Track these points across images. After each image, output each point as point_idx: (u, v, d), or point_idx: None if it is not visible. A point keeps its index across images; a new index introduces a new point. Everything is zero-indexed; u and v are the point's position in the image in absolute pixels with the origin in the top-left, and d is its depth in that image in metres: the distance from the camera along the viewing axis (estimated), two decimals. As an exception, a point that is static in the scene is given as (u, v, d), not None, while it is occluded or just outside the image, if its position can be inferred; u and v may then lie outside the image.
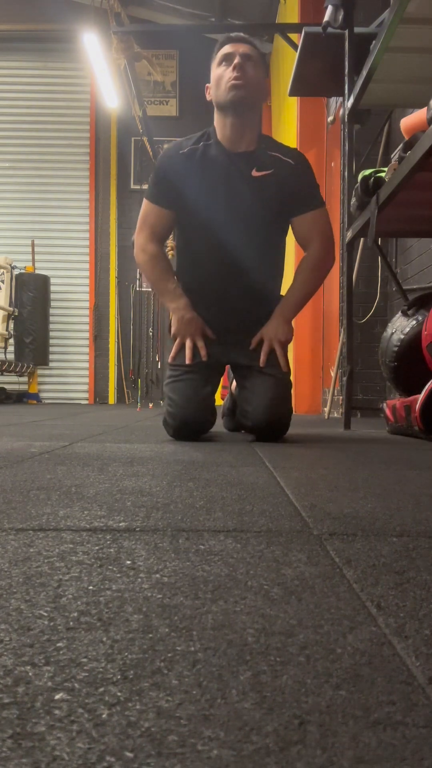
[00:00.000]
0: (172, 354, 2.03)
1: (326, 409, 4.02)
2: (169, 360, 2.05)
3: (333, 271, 4.46)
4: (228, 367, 2.24)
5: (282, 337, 1.98)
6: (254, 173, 1.93)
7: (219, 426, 2.60)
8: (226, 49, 1.89)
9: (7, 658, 0.39)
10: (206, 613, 0.47)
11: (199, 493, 0.97)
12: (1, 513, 0.81)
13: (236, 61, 1.84)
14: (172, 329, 2.02)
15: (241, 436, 2.22)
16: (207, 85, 1.97)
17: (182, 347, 2.01)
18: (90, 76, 7.19)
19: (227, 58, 1.87)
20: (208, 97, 1.96)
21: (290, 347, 4.94)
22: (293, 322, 2.09)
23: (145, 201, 2.04)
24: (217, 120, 1.95)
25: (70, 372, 7.71)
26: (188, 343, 1.97)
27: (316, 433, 2.54)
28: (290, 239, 2.14)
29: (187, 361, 1.95)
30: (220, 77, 1.88)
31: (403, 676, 0.37)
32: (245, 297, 2.04)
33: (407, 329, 2.45)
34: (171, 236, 2.24)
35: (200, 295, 2.04)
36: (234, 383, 2.35)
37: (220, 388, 2.24)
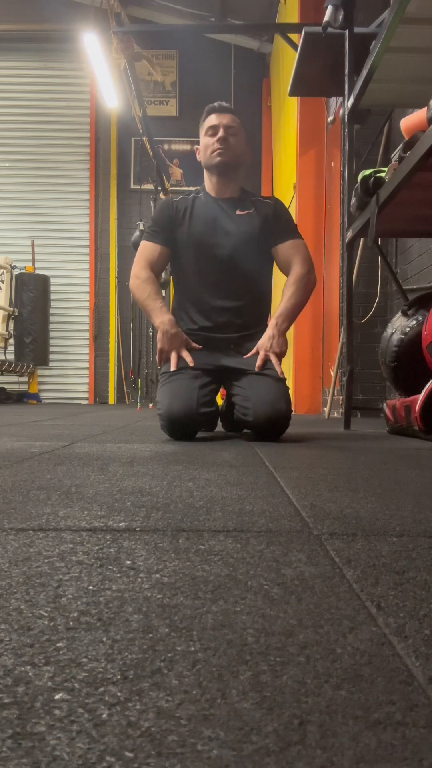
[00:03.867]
0: (159, 364, 2.17)
1: (326, 409, 4.02)
2: (159, 367, 2.20)
3: (333, 271, 4.47)
4: None
5: (277, 348, 2.09)
6: (238, 212, 2.22)
7: (218, 426, 2.60)
8: (212, 119, 2.19)
9: (7, 658, 0.39)
10: (206, 613, 0.47)
11: (199, 493, 0.97)
12: (1, 513, 0.81)
13: (220, 134, 2.17)
14: (158, 344, 2.12)
15: (241, 436, 2.22)
16: (197, 147, 2.31)
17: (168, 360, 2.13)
18: (90, 76, 7.19)
19: (212, 130, 2.19)
20: (198, 158, 2.28)
21: (290, 347, 4.95)
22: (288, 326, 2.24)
23: (142, 242, 2.26)
24: (206, 178, 2.29)
25: (70, 372, 7.72)
26: (173, 355, 2.09)
27: (316, 433, 2.54)
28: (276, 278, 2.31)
29: (173, 368, 2.06)
30: (207, 146, 2.20)
31: (403, 676, 0.37)
32: (235, 313, 2.22)
33: (407, 329, 2.45)
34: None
35: (194, 311, 2.23)
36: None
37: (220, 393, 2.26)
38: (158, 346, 2.12)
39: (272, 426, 1.99)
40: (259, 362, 2.04)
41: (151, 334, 7.67)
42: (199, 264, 2.23)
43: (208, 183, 2.27)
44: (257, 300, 2.28)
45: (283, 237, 2.21)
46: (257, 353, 2.09)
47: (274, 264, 2.29)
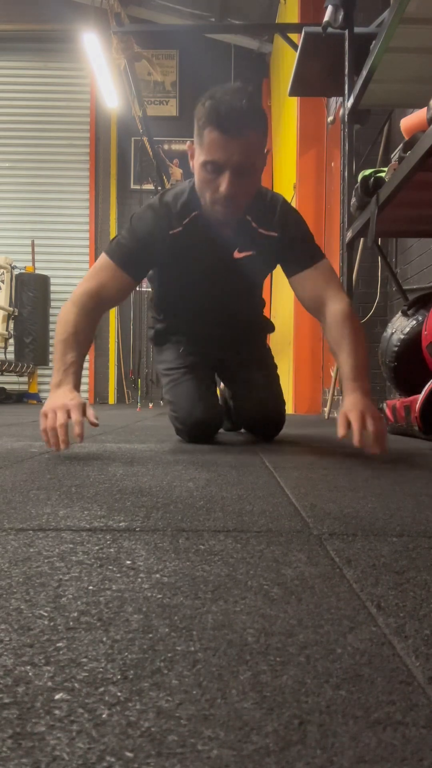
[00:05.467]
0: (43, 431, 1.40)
1: (326, 409, 4.02)
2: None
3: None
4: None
5: (373, 426, 1.42)
6: (236, 255, 1.78)
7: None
8: (215, 147, 1.50)
9: (7, 658, 0.39)
10: (206, 613, 0.47)
11: (199, 493, 0.97)
12: (1, 513, 0.81)
13: (225, 187, 1.54)
14: (44, 406, 1.42)
15: (241, 436, 2.22)
16: (189, 144, 1.64)
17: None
18: (90, 76, 7.19)
19: (213, 167, 1.53)
20: (190, 162, 1.65)
21: (290, 347, 4.96)
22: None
23: (105, 257, 1.67)
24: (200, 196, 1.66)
25: (70, 372, 7.70)
26: (60, 419, 1.35)
27: (316, 433, 2.54)
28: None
29: (54, 447, 1.37)
30: (206, 182, 1.58)
31: (403, 676, 0.37)
32: (226, 337, 2.02)
33: (407, 329, 2.45)
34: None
35: (180, 333, 2.00)
36: (222, 384, 2.34)
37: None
38: (43, 407, 1.41)
39: (270, 424, 1.98)
40: (356, 436, 1.39)
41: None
42: (185, 303, 1.92)
43: (205, 205, 1.66)
44: (252, 320, 2.07)
45: (302, 265, 1.73)
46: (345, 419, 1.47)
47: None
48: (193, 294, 1.88)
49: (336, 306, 1.64)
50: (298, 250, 1.74)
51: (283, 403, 2.04)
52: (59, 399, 1.40)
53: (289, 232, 1.75)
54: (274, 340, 2.09)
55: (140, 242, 1.68)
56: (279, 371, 2.16)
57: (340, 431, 1.42)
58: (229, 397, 2.23)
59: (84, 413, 1.38)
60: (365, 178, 2.41)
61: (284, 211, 1.76)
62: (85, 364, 7.56)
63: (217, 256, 1.78)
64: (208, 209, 1.64)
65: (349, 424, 1.42)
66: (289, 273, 1.77)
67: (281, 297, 5.54)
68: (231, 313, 1.96)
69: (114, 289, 1.65)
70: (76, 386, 1.49)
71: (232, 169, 1.53)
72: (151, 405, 6.22)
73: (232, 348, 2.04)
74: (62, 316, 1.59)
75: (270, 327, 2.17)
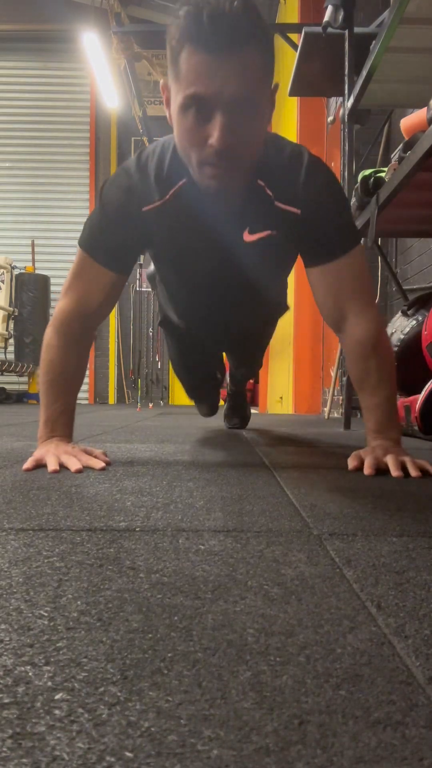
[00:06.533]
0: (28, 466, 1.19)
1: (326, 409, 4.02)
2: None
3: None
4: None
5: (403, 454, 1.21)
6: (246, 236, 1.28)
7: (220, 426, 2.60)
8: (198, 78, 1.00)
9: (7, 658, 0.39)
10: (206, 613, 0.47)
11: (199, 493, 0.97)
12: (1, 513, 0.81)
13: (216, 134, 1.02)
14: (36, 453, 1.23)
15: (241, 436, 2.22)
16: (163, 84, 1.13)
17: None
18: (90, 76, 7.19)
19: (200, 108, 1.02)
20: (165, 108, 1.14)
21: (290, 347, 4.95)
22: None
23: (80, 252, 1.29)
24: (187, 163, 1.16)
25: (70, 372, 7.70)
26: (72, 466, 1.16)
27: (316, 433, 2.53)
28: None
29: (50, 469, 1.15)
30: (189, 133, 1.06)
31: (403, 676, 0.37)
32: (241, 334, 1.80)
33: (407, 329, 2.45)
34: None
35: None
36: (228, 379, 2.37)
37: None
38: (35, 454, 1.22)
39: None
40: (396, 472, 1.14)
41: (151, 334, 7.67)
42: (183, 302, 1.58)
43: (193, 171, 1.15)
44: (269, 317, 1.78)
45: (321, 256, 1.26)
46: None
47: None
48: (191, 290, 1.50)
49: (358, 329, 1.26)
50: (321, 234, 1.24)
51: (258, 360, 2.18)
52: (54, 448, 1.22)
53: (314, 209, 1.22)
54: (274, 340, 2.08)
55: (114, 224, 1.25)
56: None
57: (350, 466, 1.22)
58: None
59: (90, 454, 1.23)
60: (365, 178, 2.41)
61: (311, 174, 1.22)
62: (85, 364, 7.60)
63: (218, 239, 1.29)
64: (197, 176, 1.13)
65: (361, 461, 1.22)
66: (310, 263, 1.30)
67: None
68: (241, 316, 1.61)
69: (100, 293, 1.29)
70: (69, 438, 1.30)
71: (224, 106, 1.01)
72: (151, 405, 6.22)
73: (239, 346, 2.00)
74: (46, 351, 1.29)
75: (284, 309, 1.77)
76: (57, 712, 0.32)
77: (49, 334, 1.30)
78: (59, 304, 1.32)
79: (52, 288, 7.29)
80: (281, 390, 5.32)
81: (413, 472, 1.13)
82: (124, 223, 1.25)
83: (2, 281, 6.80)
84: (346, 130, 2.76)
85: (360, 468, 1.21)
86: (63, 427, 1.29)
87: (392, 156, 2.15)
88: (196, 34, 0.98)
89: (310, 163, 1.23)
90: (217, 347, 2.02)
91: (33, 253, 7.37)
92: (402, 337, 2.47)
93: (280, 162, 1.22)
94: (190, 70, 1.00)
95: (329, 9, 2.61)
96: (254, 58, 1.01)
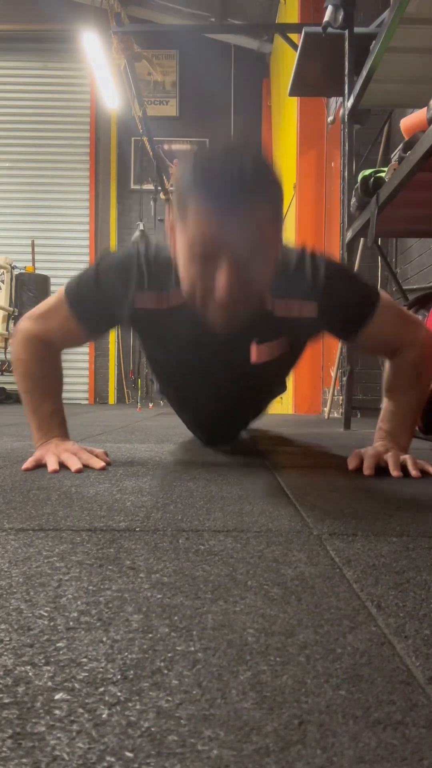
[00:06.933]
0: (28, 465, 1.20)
1: (326, 409, 4.02)
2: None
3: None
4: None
5: (414, 470, 1.17)
6: (255, 348, 1.23)
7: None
8: (205, 231, 0.97)
9: (7, 658, 0.39)
10: (206, 613, 0.47)
11: (199, 493, 0.97)
12: (1, 513, 0.81)
13: (222, 286, 1.00)
14: (36, 453, 1.25)
15: (241, 436, 2.22)
16: (168, 218, 1.09)
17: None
18: (90, 76, 7.19)
19: (205, 259, 1.00)
20: (169, 234, 1.10)
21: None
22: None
23: (62, 297, 1.27)
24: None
25: (70, 372, 7.70)
26: (73, 465, 1.18)
27: (317, 433, 2.53)
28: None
29: (50, 469, 1.17)
30: (194, 275, 1.03)
31: (403, 676, 0.37)
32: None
33: (407, 329, 2.45)
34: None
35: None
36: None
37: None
38: (36, 455, 1.24)
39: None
40: (396, 472, 1.16)
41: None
42: (183, 401, 1.58)
43: (197, 303, 1.10)
44: (274, 395, 1.69)
45: (360, 325, 1.23)
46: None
47: None
48: (183, 378, 1.44)
49: (411, 354, 1.27)
50: (344, 313, 1.24)
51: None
52: (54, 447, 1.23)
53: (328, 299, 1.19)
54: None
55: (103, 296, 1.23)
56: None
57: (350, 466, 1.24)
58: None
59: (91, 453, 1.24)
60: (365, 178, 2.41)
61: (315, 272, 1.19)
62: (85, 365, 7.60)
63: (230, 353, 1.25)
64: (200, 308, 1.09)
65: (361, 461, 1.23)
66: (344, 340, 1.36)
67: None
68: (244, 411, 1.62)
69: (65, 337, 1.29)
70: (66, 437, 1.30)
71: (231, 260, 0.99)
72: (151, 405, 6.22)
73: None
74: (18, 365, 1.29)
75: (283, 389, 1.68)
76: (57, 712, 0.32)
77: (16, 351, 1.30)
78: (24, 323, 1.31)
79: (52, 288, 7.28)
80: (281, 390, 5.31)
81: (413, 472, 1.17)
82: (113, 303, 1.23)
83: (2, 281, 6.80)
84: (346, 130, 2.76)
85: (360, 468, 1.23)
86: (58, 427, 1.29)
87: (392, 156, 2.15)
88: (204, 189, 0.97)
89: (328, 275, 1.20)
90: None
91: (33, 253, 7.36)
92: (402, 337, 2.47)
93: (286, 276, 1.19)
94: (197, 223, 0.98)
95: (329, 9, 2.61)
96: (264, 211, 1.00)
